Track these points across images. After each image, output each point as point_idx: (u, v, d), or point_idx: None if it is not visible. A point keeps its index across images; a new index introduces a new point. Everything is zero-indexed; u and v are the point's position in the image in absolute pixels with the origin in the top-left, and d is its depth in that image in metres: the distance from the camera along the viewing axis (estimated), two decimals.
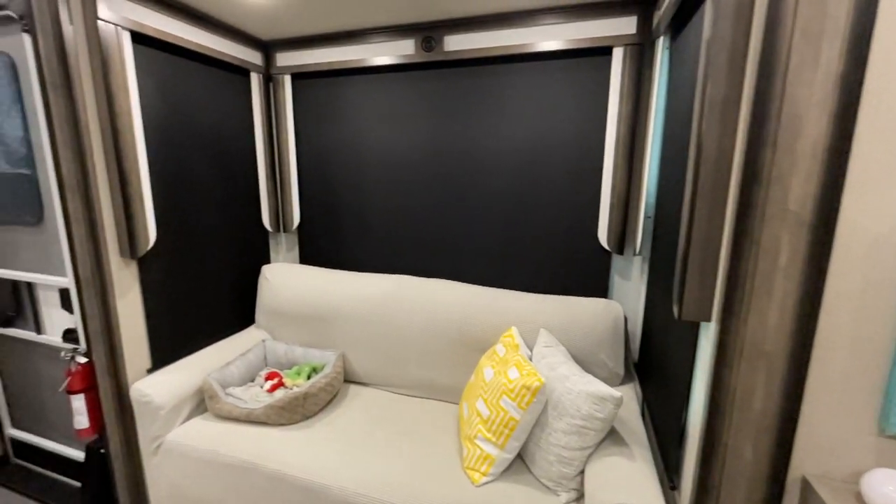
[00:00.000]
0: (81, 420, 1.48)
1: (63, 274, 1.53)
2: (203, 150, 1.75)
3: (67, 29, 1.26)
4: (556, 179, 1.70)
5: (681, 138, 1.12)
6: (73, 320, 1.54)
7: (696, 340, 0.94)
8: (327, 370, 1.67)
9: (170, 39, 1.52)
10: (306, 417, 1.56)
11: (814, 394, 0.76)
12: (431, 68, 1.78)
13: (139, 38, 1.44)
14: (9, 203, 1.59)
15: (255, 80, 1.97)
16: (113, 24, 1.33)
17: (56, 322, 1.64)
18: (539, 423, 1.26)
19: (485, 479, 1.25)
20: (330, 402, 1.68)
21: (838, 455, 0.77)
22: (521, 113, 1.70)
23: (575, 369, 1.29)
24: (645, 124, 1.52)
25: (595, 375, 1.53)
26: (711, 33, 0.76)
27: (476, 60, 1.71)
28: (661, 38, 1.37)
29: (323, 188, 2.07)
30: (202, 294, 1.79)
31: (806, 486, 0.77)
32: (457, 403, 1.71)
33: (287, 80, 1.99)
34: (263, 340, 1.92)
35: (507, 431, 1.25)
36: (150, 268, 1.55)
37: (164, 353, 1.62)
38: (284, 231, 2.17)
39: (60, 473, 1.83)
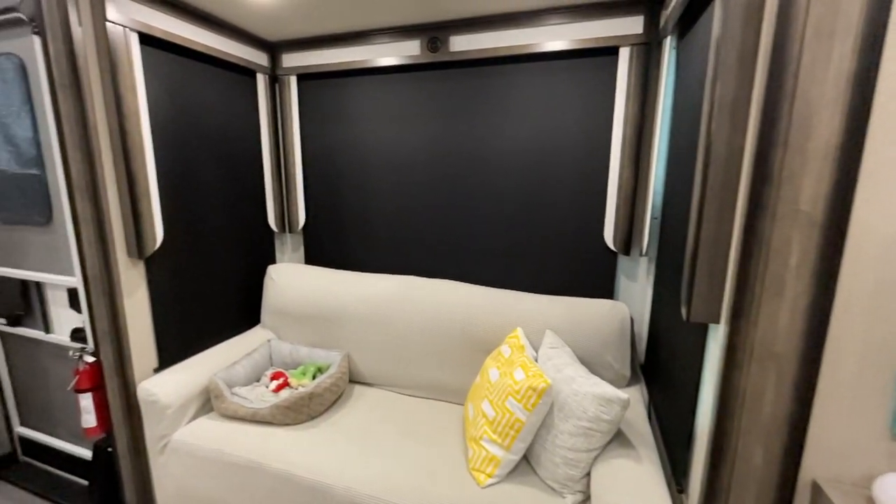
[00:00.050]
0: (89, 419, 1.49)
1: (71, 273, 1.55)
2: (209, 150, 1.76)
3: (76, 31, 1.27)
4: (562, 180, 1.69)
5: (688, 138, 1.11)
6: (81, 319, 1.55)
7: (704, 342, 0.93)
8: (332, 370, 1.67)
9: (177, 41, 1.53)
10: (311, 417, 1.56)
11: (825, 396, 0.75)
12: (437, 69, 1.78)
13: (147, 40, 1.45)
14: (18, 203, 1.61)
15: (261, 81, 1.98)
16: (121, 25, 1.34)
17: (64, 321, 1.65)
18: (545, 425, 1.25)
19: (490, 480, 1.25)
20: (335, 402, 1.69)
21: (850, 459, 0.76)
22: (527, 113, 1.69)
23: (581, 371, 1.28)
24: (651, 124, 1.51)
25: (601, 377, 1.52)
26: (721, 32, 0.75)
27: (482, 61, 1.71)
28: (669, 38, 1.36)
29: (328, 189, 2.08)
30: (208, 294, 1.80)
31: (817, 491, 0.76)
32: (462, 404, 1.71)
33: (293, 80, 1.99)
34: (269, 340, 1.92)
35: (512, 433, 1.24)
36: (157, 268, 1.56)
37: (170, 352, 1.63)
38: (290, 231, 2.18)
39: (68, 472, 1.85)
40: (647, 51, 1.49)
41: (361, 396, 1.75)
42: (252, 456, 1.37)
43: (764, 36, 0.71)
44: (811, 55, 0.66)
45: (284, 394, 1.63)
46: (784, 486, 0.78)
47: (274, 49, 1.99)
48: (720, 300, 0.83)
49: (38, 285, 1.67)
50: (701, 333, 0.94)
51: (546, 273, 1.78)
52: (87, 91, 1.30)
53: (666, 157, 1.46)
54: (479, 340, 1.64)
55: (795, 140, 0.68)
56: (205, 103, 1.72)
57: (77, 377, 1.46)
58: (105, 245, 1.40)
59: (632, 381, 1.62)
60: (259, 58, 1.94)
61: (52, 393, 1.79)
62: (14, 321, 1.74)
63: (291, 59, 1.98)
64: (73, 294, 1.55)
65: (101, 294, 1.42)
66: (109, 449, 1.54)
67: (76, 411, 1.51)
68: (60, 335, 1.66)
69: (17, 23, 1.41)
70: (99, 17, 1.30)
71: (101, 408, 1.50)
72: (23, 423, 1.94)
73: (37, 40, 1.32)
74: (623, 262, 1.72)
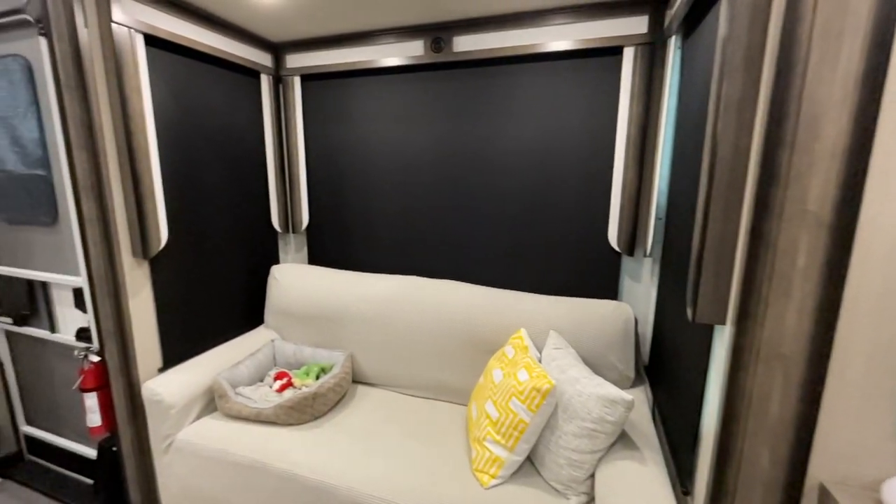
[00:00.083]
0: (94, 418, 1.50)
1: (77, 273, 1.55)
2: (214, 151, 1.77)
3: (82, 32, 1.28)
4: (566, 180, 1.69)
5: (693, 138, 1.11)
6: (87, 319, 1.55)
7: (709, 343, 0.93)
8: (336, 370, 1.67)
9: (182, 42, 1.54)
10: (315, 417, 1.56)
11: (832, 398, 0.74)
12: (440, 69, 1.78)
13: (152, 41, 1.46)
14: (25, 204, 1.62)
15: (265, 82, 1.98)
16: (126, 27, 1.34)
17: (70, 321, 1.66)
18: (549, 426, 1.25)
19: (494, 481, 1.25)
20: (338, 402, 1.69)
21: (858, 461, 0.75)
22: (531, 113, 1.69)
23: (585, 372, 1.28)
24: (656, 124, 1.50)
25: (605, 378, 1.52)
26: (727, 32, 0.75)
27: (485, 61, 1.71)
28: (673, 38, 1.36)
29: (332, 189, 2.08)
30: (212, 294, 1.81)
31: (824, 493, 0.76)
32: (465, 405, 1.71)
33: (297, 81, 2.00)
34: (272, 340, 1.93)
35: (516, 434, 1.24)
36: (162, 268, 1.57)
37: (174, 352, 1.63)
38: (293, 232, 2.18)
39: (73, 470, 1.86)
40: (652, 51, 1.48)
41: (365, 397, 1.75)
42: (256, 456, 1.37)
43: (771, 35, 0.71)
44: (819, 55, 0.66)
45: (288, 394, 1.63)
46: (791, 489, 0.77)
47: (278, 50, 2.00)
48: (726, 301, 0.82)
49: (44, 285, 1.68)
50: (706, 334, 0.93)
51: (550, 273, 1.78)
52: (92, 92, 1.31)
53: (670, 158, 1.45)
54: (483, 341, 1.64)
55: (803, 140, 0.68)
56: (209, 104, 1.73)
57: (82, 376, 1.47)
58: (110, 245, 1.41)
59: (636, 383, 1.61)
60: (263, 58, 1.94)
61: (58, 392, 1.80)
62: (20, 321, 1.76)
63: (295, 60, 1.98)
64: (78, 294, 1.56)
65: (107, 294, 1.42)
66: (114, 448, 1.55)
67: (81, 410, 1.52)
68: (66, 335, 1.67)
69: (23, 24, 1.42)
70: (105, 18, 1.31)
71: (106, 407, 1.50)
72: (28, 422, 1.95)
73: (43, 41, 1.33)
74: (627, 262, 1.71)
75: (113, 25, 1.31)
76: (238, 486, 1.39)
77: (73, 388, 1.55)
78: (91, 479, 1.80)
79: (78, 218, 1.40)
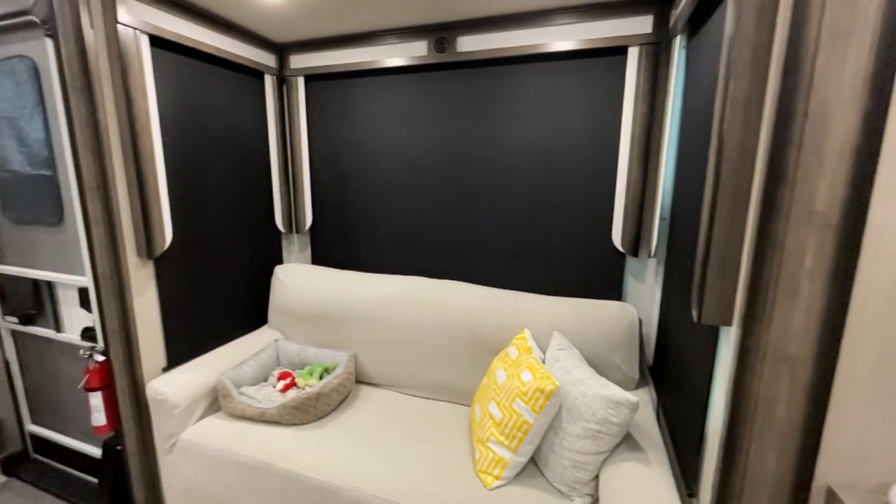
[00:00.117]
0: (99, 417, 1.50)
1: (82, 273, 1.56)
2: (218, 151, 1.77)
3: (88, 33, 1.29)
4: (570, 180, 1.68)
5: (699, 138, 1.10)
6: (92, 319, 1.56)
7: (715, 344, 0.92)
8: (339, 370, 1.67)
9: (186, 42, 1.55)
10: (318, 418, 1.56)
11: (840, 400, 0.74)
12: (444, 69, 1.78)
13: (157, 42, 1.46)
14: (31, 204, 1.63)
15: (269, 82, 1.99)
16: (132, 27, 1.35)
17: (75, 320, 1.67)
18: (553, 427, 1.25)
19: (497, 482, 1.24)
20: (342, 402, 1.69)
21: (866, 464, 0.74)
22: (535, 113, 1.68)
23: (589, 373, 1.28)
24: (661, 124, 1.50)
25: (609, 379, 1.50)
26: (734, 31, 0.74)
27: (489, 61, 1.71)
28: (678, 37, 1.35)
29: (335, 189, 2.08)
30: (216, 294, 1.81)
31: (831, 496, 0.75)
32: (468, 405, 1.71)
33: (300, 81, 2.00)
34: (276, 340, 1.93)
35: (520, 435, 1.23)
36: (166, 268, 1.57)
37: (179, 351, 1.64)
38: (297, 232, 2.19)
39: (78, 469, 1.87)
40: (657, 50, 1.47)
41: (368, 397, 1.75)
42: (259, 456, 1.37)
43: (778, 34, 0.71)
44: (827, 54, 0.65)
45: (292, 394, 1.64)
46: (798, 492, 0.77)
47: (282, 50, 2.00)
48: (732, 302, 0.81)
49: (50, 285, 1.69)
50: (712, 335, 0.93)
51: (553, 274, 1.77)
52: (98, 93, 1.32)
53: (675, 158, 1.45)
54: (486, 341, 1.64)
55: (810, 140, 0.67)
56: (213, 104, 1.74)
57: (87, 376, 1.48)
58: (115, 245, 1.41)
59: (640, 384, 1.61)
60: (267, 59, 1.95)
61: (63, 391, 1.81)
62: (26, 320, 1.77)
63: (299, 61, 1.99)
64: (83, 293, 1.57)
65: (112, 294, 1.43)
66: (118, 447, 1.55)
67: (86, 410, 1.53)
68: (71, 334, 1.68)
69: (29, 25, 1.43)
70: (110, 19, 1.31)
71: (111, 406, 1.51)
72: (34, 421, 1.96)
73: (49, 43, 1.34)
74: (631, 263, 1.71)
75: (118, 26, 1.32)
76: (242, 486, 1.40)
77: (79, 387, 1.56)
78: (96, 477, 1.80)
79: (83, 218, 1.41)
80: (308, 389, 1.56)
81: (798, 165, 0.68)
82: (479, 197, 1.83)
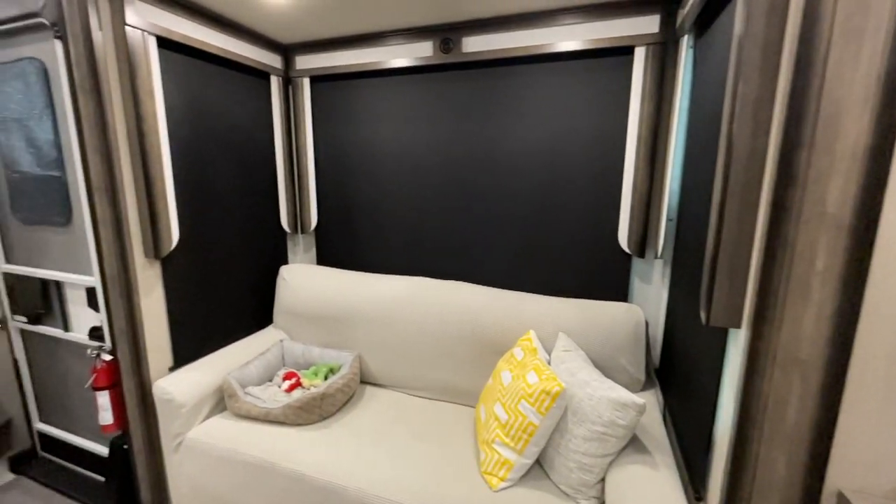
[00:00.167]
0: (106, 416, 1.51)
1: (90, 273, 1.57)
2: (224, 152, 1.78)
3: (97, 35, 1.30)
4: (576, 181, 1.67)
5: (706, 139, 1.09)
6: (99, 318, 1.57)
7: (723, 347, 0.91)
8: (344, 371, 1.67)
9: (193, 44, 1.55)
10: (323, 418, 1.56)
11: (852, 403, 0.73)
12: (449, 70, 1.78)
13: (164, 43, 1.47)
14: (39, 204, 1.64)
15: (275, 83, 2.00)
16: (140, 29, 1.36)
17: (83, 320, 1.68)
18: (558, 429, 1.24)
19: (503, 484, 1.24)
20: (346, 402, 1.69)
21: (878, 469, 0.73)
22: (541, 114, 1.68)
23: (595, 374, 1.27)
24: (668, 125, 1.49)
25: (615, 381, 1.50)
26: (744, 30, 0.73)
27: (495, 62, 1.70)
28: (686, 37, 1.34)
29: (340, 190, 2.09)
30: (222, 294, 1.82)
31: (842, 501, 0.74)
32: (473, 407, 1.70)
33: (306, 82, 2.01)
34: (281, 340, 1.94)
35: (525, 437, 1.23)
36: (173, 268, 1.58)
37: (185, 351, 1.65)
38: (302, 232, 2.19)
39: (85, 468, 1.88)
40: (663, 50, 1.47)
41: (373, 397, 1.75)
42: (265, 455, 1.38)
43: (789, 34, 0.70)
44: (839, 53, 0.64)
45: (297, 394, 1.64)
46: (808, 497, 0.76)
47: (287, 51, 2.01)
48: (741, 304, 0.81)
49: (58, 284, 1.71)
50: (720, 338, 0.92)
51: (559, 275, 1.76)
52: (106, 94, 1.33)
53: (682, 158, 1.44)
54: (491, 342, 1.64)
55: (822, 140, 0.66)
56: (220, 105, 1.74)
57: (94, 375, 1.49)
58: (123, 245, 1.42)
59: (646, 386, 1.59)
60: (273, 60, 1.96)
61: (71, 390, 1.83)
62: (35, 319, 1.78)
63: (305, 62, 1.99)
64: (91, 293, 1.58)
65: (119, 294, 1.44)
66: (125, 446, 1.56)
67: (94, 408, 1.54)
68: (79, 333, 1.69)
69: (39, 27, 1.45)
70: (118, 21, 1.32)
71: (118, 405, 1.52)
72: (42, 420, 1.98)
73: (58, 44, 1.35)
74: (637, 264, 1.70)
75: (126, 28, 1.32)
76: (247, 486, 1.40)
77: (86, 386, 1.57)
78: (103, 476, 1.82)
79: (91, 218, 1.42)
80: (313, 390, 1.56)
81: (809, 166, 0.67)
82: (484, 197, 1.83)
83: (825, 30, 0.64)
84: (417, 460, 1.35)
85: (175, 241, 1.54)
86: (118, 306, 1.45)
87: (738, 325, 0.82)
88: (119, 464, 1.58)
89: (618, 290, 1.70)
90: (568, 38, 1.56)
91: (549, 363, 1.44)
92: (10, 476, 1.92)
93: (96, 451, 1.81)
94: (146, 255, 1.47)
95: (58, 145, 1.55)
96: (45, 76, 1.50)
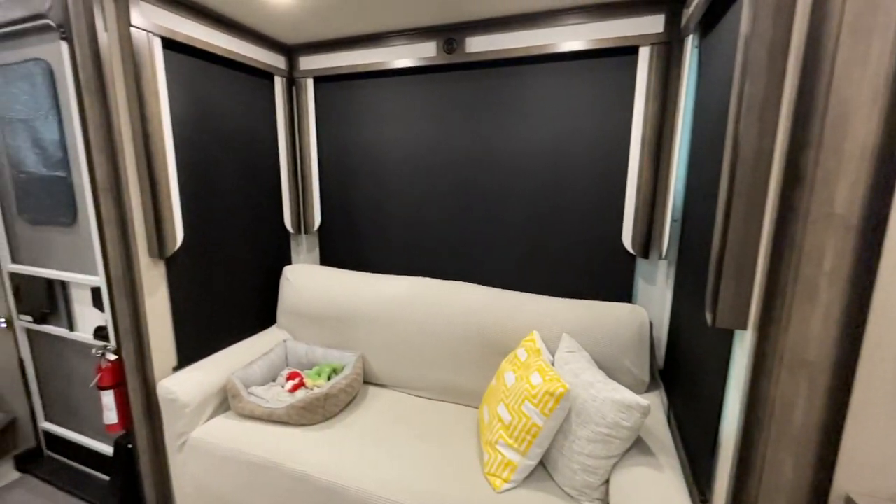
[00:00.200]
0: (110, 415, 1.52)
1: (95, 273, 1.58)
2: (228, 152, 1.79)
3: (102, 36, 1.30)
4: (580, 181, 1.67)
5: (712, 139, 1.09)
6: (104, 318, 1.58)
7: (729, 348, 0.90)
8: (347, 371, 1.67)
9: (198, 45, 1.56)
10: (326, 418, 1.56)
11: (860, 406, 0.72)
12: (453, 70, 1.78)
13: (169, 44, 1.48)
14: (45, 204, 1.65)
15: (279, 84, 2.00)
16: (145, 30, 1.37)
17: (88, 320, 1.69)
18: (562, 431, 1.23)
19: (506, 485, 1.23)
20: (350, 403, 1.69)
21: (886, 473, 0.73)
22: (544, 114, 1.68)
23: (599, 376, 1.26)
24: (672, 125, 1.48)
25: (619, 382, 1.49)
26: (750, 29, 0.73)
27: (498, 62, 1.70)
28: (691, 37, 1.34)
29: (343, 190, 2.09)
30: (226, 294, 1.82)
31: None
32: (476, 407, 1.70)
33: (310, 83, 2.01)
34: (284, 340, 1.94)
35: (529, 438, 1.23)
36: (177, 268, 1.59)
37: (189, 351, 1.65)
38: (305, 232, 2.20)
39: (90, 467, 1.89)
40: (668, 50, 1.46)
41: (376, 398, 1.75)
42: (268, 455, 1.38)
43: (796, 33, 0.69)
44: (847, 52, 0.64)
45: (300, 394, 1.64)
46: (815, 500, 0.75)
47: (291, 52, 2.01)
48: (748, 306, 0.80)
49: (64, 284, 1.72)
50: (726, 339, 0.91)
51: (563, 276, 1.76)
52: (111, 95, 1.33)
53: (687, 158, 1.43)
54: (495, 343, 1.63)
55: (830, 140, 0.66)
56: (224, 106, 1.75)
57: (99, 374, 1.49)
58: (127, 245, 1.43)
59: (650, 387, 1.59)
60: (277, 61, 1.96)
61: (76, 389, 1.84)
62: (40, 319, 1.79)
63: (308, 62, 2.00)
64: (96, 293, 1.59)
65: (124, 293, 1.45)
66: (130, 445, 1.57)
67: (98, 408, 1.55)
68: (84, 333, 1.70)
69: (45, 29, 1.46)
70: (124, 22, 1.33)
71: (123, 405, 1.53)
72: (48, 419, 1.99)
73: (64, 46, 1.36)
74: (641, 265, 1.69)
75: (132, 29, 1.33)
76: (251, 486, 1.40)
77: (91, 385, 1.58)
78: (107, 475, 1.82)
79: (97, 218, 1.43)
80: (316, 390, 1.56)
81: (817, 166, 0.67)
82: (487, 197, 1.82)
83: (833, 29, 0.64)
84: (420, 461, 1.35)
85: (179, 242, 1.55)
86: (123, 306, 1.45)
87: (744, 327, 0.81)
88: (123, 463, 1.59)
89: (622, 291, 1.69)
90: (572, 38, 1.56)
91: (552, 364, 1.44)
92: (16, 474, 1.93)
93: (101, 451, 1.82)
94: (151, 255, 1.48)
95: (63, 146, 1.56)
96: (51, 77, 1.51)
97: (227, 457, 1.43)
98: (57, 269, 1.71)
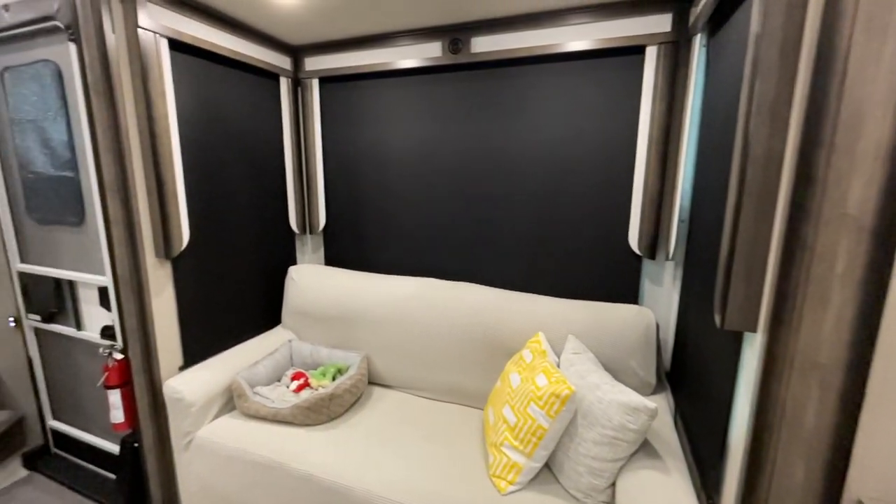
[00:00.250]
0: (117, 414, 1.53)
1: (102, 273, 1.59)
2: (234, 153, 1.79)
3: (110, 37, 1.31)
4: (586, 182, 1.66)
5: (720, 139, 1.08)
6: (111, 318, 1.59)
7: (738, 350, 0.89)
8: (352, 371, 1.67)
9: (204, 46, 1.57)
10: (331, 418, 1.57)
11: (873, 409, 0.71)
12: (458, 70, 1.78)
13: (176, 45, 1.48)
14: (54, 204, 1.66)
15: (284, 84, 2.01)
16: (152, 31, 1.37)
17: (95, 319, 1.70)
18: (568, 433, 1.23)
19: (511, 487, 1.23)
20: (354, 403, 1.69)
21: None
22: (550, 114, 1.67)
23: (606, 377, 1.25)
24: (679, 125, 1.47)
25: (625, 384, 1.48)
26: (761, 28, 0.72)
27: (504, 62, 1.70)
28: (699, 36, 1.32)
29: (348, 190, 2.09)
30: (231, 294, 1.83)
31: None
32: (481, 409, 1.69)
33: (315, 83, 2.02)
34: (290, 340, 1.94)
35: (534, 440, 1.22)
36: (183, 268, 1.60)
37: (195, 351, 1.66)
38: (310, 233, 2.20)
39: (96, 465, 1.90)
40: (675, 49, 1.45)
41: (380, 398, 1.75)
42: (273, 455, 1.38)
43: (808, 31, 0.68)
44: (861, 51, 0.63)
45: (305, 394, 1.64)
46: None
47: (297, 53, 2.02)
48: (758, 308, 0.79)
49: (71, 284, 1.73)
50: (735, 341, 0.90)
51: (568, 277, 1.75)
52: (119, 96, 1.34)
53: (695, 158, 1.42)
54: (500, 344, 1.63)
55: (843, 141, 0.65)
56: (230, 106, 1.76)
57: (106, 374, 1.50)
58: (134, 245, 1.44)
59: (657, 389, 1.58)
60: (282, 61, 1.97)
61: (83, 388, 1.85)
62: (48, 318, 1.81)
63: (314, 63, 2.00)
64: (103, 293, 1.60)
65: (130, 293, 1.45)
66: (136, 444, 1.58)
67: (105, 407, 1.56)
68: (91, 332, 1.71)
69: (54, 31, 1.47)
70: (131, 23, 1.34)
71: (129, 404, 1.53)
72: (55, 417, 2.00)
73: (72, 47, 1.37)
74: (648, 266, 1.68)
75: (139, 31, 1.34)
76: (256, 485, 1.41)
77: (98, 384, 1.59)
78: (114, 473, 1.84)
79: (104, 219, 1.43)
80: (321, 390, 1.56)
81: (829, 167, 0.66)
82: (492, 198, 1.82)
83: (846, 27, 0.63)
84: (425, 462, 1.35)
85: (185, 242, 1.55)
86: (129, 306, 1.46)
87: (753, 329, 0.80)
88: (129, 461, 1.60)
89: (628, 292, 1.68)
90: (578, 37, 1.55)
91: (558, 366, 1.43)
92: (24, 472, 1.94)
93: (108, 449, 1.83)
94: (157, 255, 1.49)
95: (71, 146, 1.57)
96: (60, 78, 1.52)
97: (233, 456, 1.43)
98: (65, 268, 1.72)
